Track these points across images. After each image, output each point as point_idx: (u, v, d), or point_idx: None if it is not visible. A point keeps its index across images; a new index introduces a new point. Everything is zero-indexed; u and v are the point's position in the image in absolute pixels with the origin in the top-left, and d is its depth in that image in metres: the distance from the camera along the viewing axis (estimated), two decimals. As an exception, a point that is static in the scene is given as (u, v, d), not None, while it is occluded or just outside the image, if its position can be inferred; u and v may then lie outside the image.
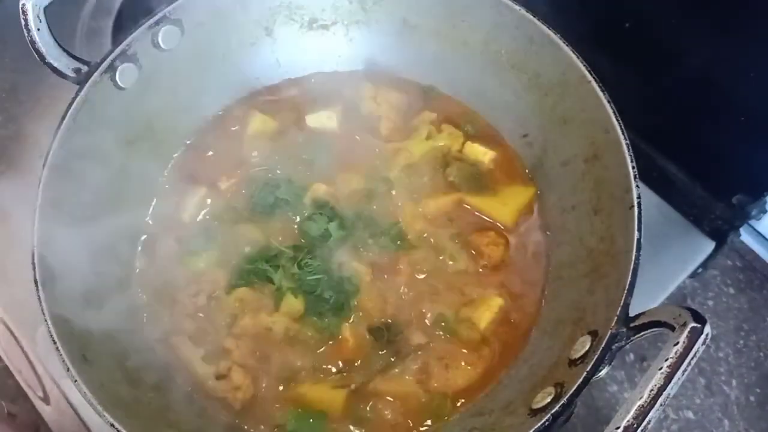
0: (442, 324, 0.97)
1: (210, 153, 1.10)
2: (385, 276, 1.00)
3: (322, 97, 1.14)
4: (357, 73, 1.17)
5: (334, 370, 0.94)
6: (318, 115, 1.11)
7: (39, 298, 0.82)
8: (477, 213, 1.05)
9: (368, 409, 0.92)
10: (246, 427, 0.92)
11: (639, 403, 0.65)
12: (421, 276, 1.00)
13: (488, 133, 1.11)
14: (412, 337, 0.95)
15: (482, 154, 1.09)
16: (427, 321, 0.97)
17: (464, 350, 0.95)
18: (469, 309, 0.97)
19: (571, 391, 0.73)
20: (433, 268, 1.01)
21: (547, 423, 0.73)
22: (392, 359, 0.94)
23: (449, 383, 0.93)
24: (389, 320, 0.97)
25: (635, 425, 0.64)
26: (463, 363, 0.94)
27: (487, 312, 0.97)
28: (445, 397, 0.92)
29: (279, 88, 1.17)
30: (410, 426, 0.92)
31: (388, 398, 0.92)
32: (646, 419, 0.65)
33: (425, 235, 1.03)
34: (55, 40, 0.92)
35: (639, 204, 0.83)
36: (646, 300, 1.04)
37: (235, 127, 1.12)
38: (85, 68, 0.94)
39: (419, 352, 0.95)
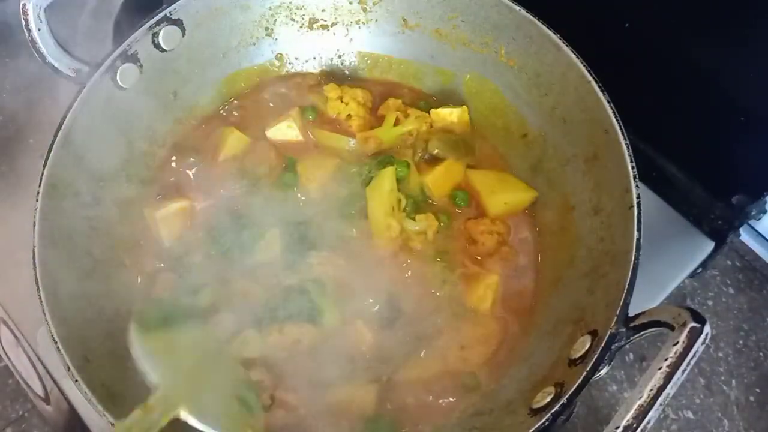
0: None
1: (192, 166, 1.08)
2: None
3: (284, 105, 1.12)
4: (314, 76, 1.16)
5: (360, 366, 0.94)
6: (278, 127, 1.09)
7: (39, 298, 0.82)
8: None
9: (400, 397, 0.92)
10: None
11: (639, 402, 0.65)
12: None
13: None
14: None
15: (448, 114, 1.09)
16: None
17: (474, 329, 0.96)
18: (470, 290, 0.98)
19: (571, 391, 0.73)
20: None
21: (547, 422, 0.73)
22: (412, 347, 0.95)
23: (468, 362, 0.94)
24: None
25: (635, 425, 0.65)
26: (475, 342, 0.95)
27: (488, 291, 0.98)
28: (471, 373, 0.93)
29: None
30: (449, 404, 0.92)
31: (418, 384, 0.92)
32: (646, 419, 0.65)
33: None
34: (56, 40, 0.92)
35: (639, 204, 0.83)
36: (646, 300, 1.05)
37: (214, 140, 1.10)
38: (85, 68, 0.94)
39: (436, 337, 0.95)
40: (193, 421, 0.74)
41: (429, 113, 1.10)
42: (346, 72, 1.18)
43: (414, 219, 1.01)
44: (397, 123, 1.09)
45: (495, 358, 0.94)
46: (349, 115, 1.11)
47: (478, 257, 1.01)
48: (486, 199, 1.04)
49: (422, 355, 0.94)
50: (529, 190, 1.05)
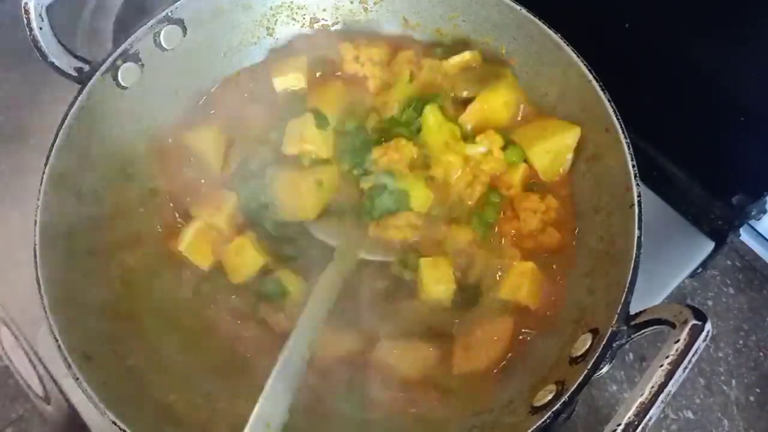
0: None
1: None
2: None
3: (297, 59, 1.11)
4: (331, 34, 1.14)
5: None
6: (286, 77, 1.07)
7: (41, 297, 0.82)
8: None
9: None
10: None
11: (640, 400, 0.65)
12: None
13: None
14: None
15: (461, 58, 1.05)
16: None
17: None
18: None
19: (572, 389, 0.73)
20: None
21: (548, 421, 0.73)
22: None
23: None
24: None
25: (636, 422, 0.65)
26: None
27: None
28: None
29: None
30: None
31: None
32: (647, 416, 0.65)
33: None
34: (57, 39, 0.93)
35: (639, 203, 0.83)
36: (646, 300, 1.05)
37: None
38: (87, 67, 0.94)
39: None
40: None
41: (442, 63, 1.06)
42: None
43: (475, 142, 0.98)
44: (411, 77, 1.06)
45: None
46: (365, 75, 1.08)
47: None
48: (529, 152, 0.98)
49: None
50: (570, 127, 0.96)
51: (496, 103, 1.01)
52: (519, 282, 0.92)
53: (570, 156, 0.98)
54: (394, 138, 1.01)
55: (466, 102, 1.03)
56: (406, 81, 1.06)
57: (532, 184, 1.00)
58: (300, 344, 0.83)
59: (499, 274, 0.94)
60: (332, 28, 1.14)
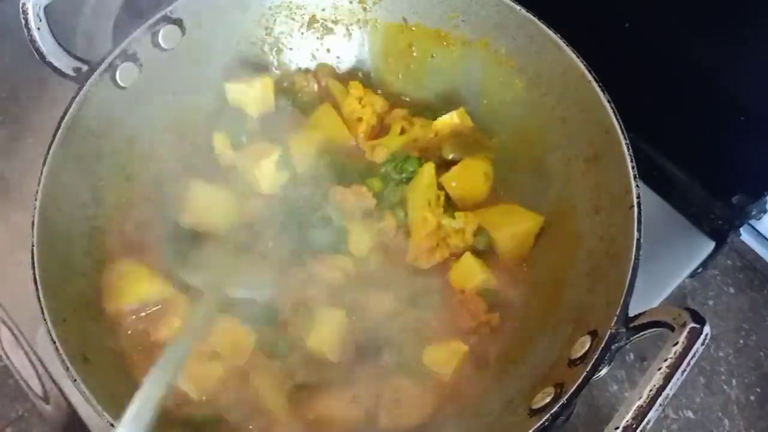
0: None
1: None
2: None
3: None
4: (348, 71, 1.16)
5: None
6: (237, 86, 1.08)
7: (39, 298, 0.82)
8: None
9: None
10: None
11: (638, 403, 0.65)
12: None
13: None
14: None
15: (449, 118, 1.08)
16: None
17: None
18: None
19: (570, 391, 0.73)
20: None
21: (546, 423, 0.73)
22: None
23: None
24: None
25: (634, 425, 0.64)
26: None
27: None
28: None
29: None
30: None
31: None
32: (645, 419, 0.64)
33: None
34: (56, 39, 0.92)
35: (639, 204, 0.83)
36: (646, 300, 1.05)
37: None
38: (85, 67, 0.94)
39: None
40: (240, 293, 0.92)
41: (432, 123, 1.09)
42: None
43: (453, 217, 1.00)
44: (402, 132, 1.09)
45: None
46: (360, 118, 1.10)
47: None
48: (494, 235, 1.00)
49: None
50: (535, 217, 1.00)
51: (478, 171, 1.04)
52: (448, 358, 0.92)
53: (532, 241, 1.01)
54: (357, 183, 1.03)
55: (449, 164, 1.05)
56: (396, 133, 1.09)
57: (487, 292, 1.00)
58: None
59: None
60: (330, 27, 1.15)
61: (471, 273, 0.98)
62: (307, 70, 1.16)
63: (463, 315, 0.96)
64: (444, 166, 1.05)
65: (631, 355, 1.15)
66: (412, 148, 1.08)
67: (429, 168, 1.03)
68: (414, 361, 0.93)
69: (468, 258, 0.99)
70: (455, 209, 1.02)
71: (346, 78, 1.15)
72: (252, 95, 1.08)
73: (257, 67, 1.13)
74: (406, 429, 0.89)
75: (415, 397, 0.91)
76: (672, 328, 0.68)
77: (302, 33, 1.14)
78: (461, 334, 0.95)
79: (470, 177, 1.04)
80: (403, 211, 1.02)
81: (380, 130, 1.13)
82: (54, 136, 0.90)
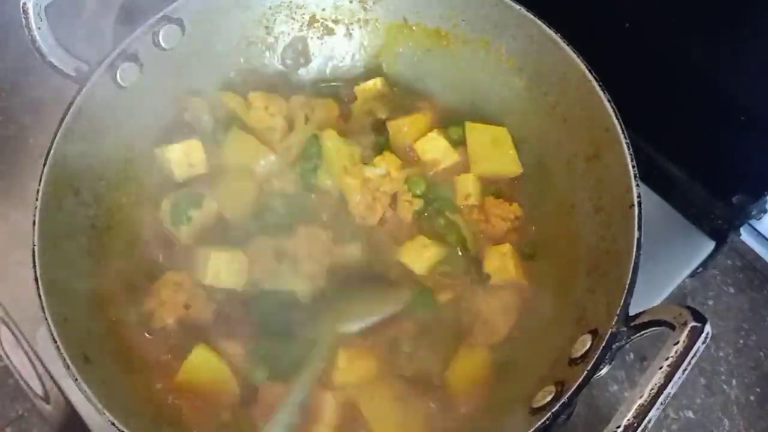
0: None
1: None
2: None
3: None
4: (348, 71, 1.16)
5: None
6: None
7: (40, 298, 0.81)
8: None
9: None
10: None
11: (639, 402, 0.65)
12: None
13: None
14: None
15: (372, 85, 1.10)
16: None
17: None
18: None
19: (571, 390, 0.73)
20: None
21: (547, 422, 0.73)
22: None
23: None
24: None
25: (635, 424, 0.64)
26: None
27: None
28: None
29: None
30: None
31: None
32: (647, 418, 0.64)
33: None
34: (56, 39, 0.92)
35: (639, 203, 0.83)
36: (646, 299, 1.04)
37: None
38: (86, 67, 0.94)
39: None
40: None
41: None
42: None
43: (374, 165, 1.00)
44: (306, 119, 1.06)
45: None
46: (272, 126, 1.05)
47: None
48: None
49: None
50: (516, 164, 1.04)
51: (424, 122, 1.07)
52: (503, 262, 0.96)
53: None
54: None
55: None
56: (302, 123, 1.06)
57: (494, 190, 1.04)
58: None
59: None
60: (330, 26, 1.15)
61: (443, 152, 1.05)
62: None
63: (494, 222, 1.00)
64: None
65: (631, 355, 1.15)
66: (341, 131, 1.03)
67: (329, 134, 1.00)
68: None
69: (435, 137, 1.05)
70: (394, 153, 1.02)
71: (347, 78, 1.15)
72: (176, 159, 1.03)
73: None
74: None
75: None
76: (673, 327, 0.68)
77: (302, 33, 1.14)
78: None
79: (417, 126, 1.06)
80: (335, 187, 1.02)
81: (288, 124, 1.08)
82: (54, 135, 0.90)
